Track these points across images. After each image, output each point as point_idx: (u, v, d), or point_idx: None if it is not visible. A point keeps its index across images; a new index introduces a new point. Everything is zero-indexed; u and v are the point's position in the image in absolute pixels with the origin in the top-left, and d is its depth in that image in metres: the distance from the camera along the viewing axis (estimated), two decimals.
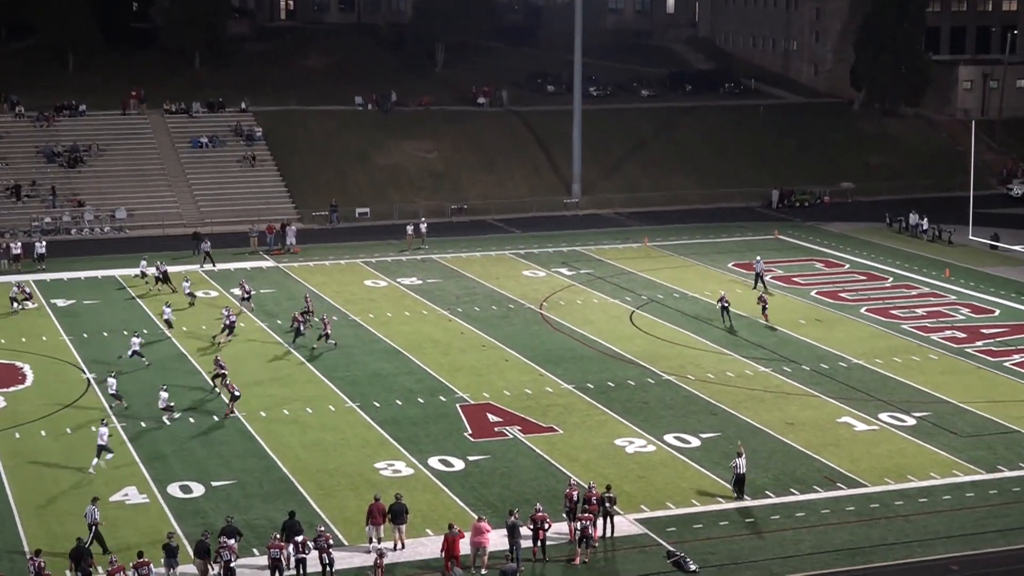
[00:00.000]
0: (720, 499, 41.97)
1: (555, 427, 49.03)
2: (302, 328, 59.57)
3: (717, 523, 40.47)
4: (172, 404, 49.70)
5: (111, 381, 51.19)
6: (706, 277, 73.97)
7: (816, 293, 70.68)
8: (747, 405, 51.68)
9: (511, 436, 48.03)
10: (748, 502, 41.71)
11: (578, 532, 37.81)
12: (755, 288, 69.83)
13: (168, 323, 61.21)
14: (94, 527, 38.17)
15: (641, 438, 47.86)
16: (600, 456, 46.09)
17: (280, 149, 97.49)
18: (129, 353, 56.39)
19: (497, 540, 37.56)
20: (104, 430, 45.07)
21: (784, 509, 41.48)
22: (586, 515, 38.09)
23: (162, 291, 69.46)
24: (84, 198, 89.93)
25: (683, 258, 79.66)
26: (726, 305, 62.76)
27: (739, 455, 42.36)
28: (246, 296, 65.91)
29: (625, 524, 40.16)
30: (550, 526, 37.86)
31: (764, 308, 63.76)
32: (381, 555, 35.96)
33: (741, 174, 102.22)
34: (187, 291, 67.25)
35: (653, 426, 49.11)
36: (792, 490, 43.03)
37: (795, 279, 74.03)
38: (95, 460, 44.42)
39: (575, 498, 39.33)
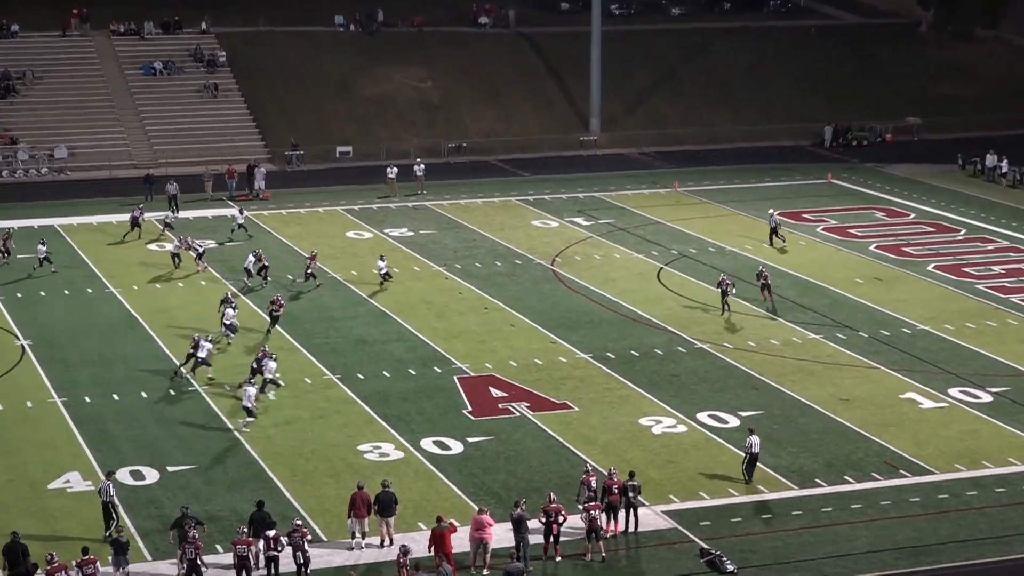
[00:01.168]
0: (762, 488, 41.98)
1: (569, 403, 49.04)
2: (234, 319, 55.12)
3: (759, 516, 40.50)
4: (277, 378, 49.63)
5: (228, 339, 52.06)
6: (748, 228, 73.80)
7: (876, 247, 70.55)
8: (794, 378, 51.64)
9: (518, 414, 48.04)
10: (766, 494, 41.67)
11: (586, 523, 37.72)
12: (771, 245, 69.42)
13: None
14: (111, 506, 38.42)
15: (670, 417, 47.86)
16: (622, 437, 46.11)
17: (247, 77, 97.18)
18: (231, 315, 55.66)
19: (501, 535, 37.57)
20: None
21: (837, 500, 41.49)
22: (594, 504, 38.08)
23: (129, 239, 69.96)
24: (17, 134, 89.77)
25: (720, 206, 79.48)
26: (728, 289, 58.65)
27: (751, 432, 42.35)
28: (199, 253, 65.03)
29: (651, 517, 40.17)
30: (565, 519, 37.85)
31: (765, 286, 59.84)
32: (405, 553, 35.73)
33: (789, 108, 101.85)
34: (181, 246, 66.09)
35: (684, 403, 49.11)
36: (847, 478, 43.04)
37: (851, 231, 73.86)
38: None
39: (593, 486, 39.32)
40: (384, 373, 51.95)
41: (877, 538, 39.19)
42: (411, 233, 73.17)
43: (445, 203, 79.95)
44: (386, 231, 73.47)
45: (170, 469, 43.23)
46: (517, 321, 58.41)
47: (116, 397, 49.47)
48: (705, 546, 38.32)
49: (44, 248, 65.11)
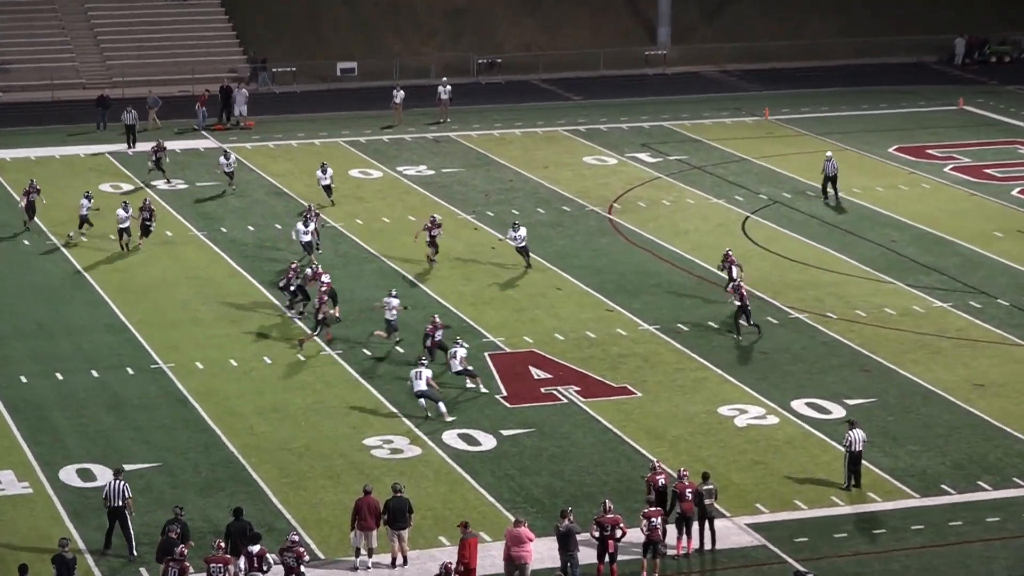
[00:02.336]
0: (874, 496, 41.93)
1: (630, 387, 49.13)
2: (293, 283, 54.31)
3: (869, 531, 40.46)
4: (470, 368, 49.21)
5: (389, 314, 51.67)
6: (857, 167, 73.51)
7: (1020, 192, 70.36)
8: (915, 357, 51.59)
9: (565, 400, 48.13)
10: (878, 503, 41.63)
11: (645, 534, 37.77)
12: (825, 199, 68.28)
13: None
14: (126, 513, 38.63)
15: (757, 405, 47.89)
16: (696, 431, 46.18)
17: None
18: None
19: (544, 552, 37.61)
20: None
21: (969, 511, 41.43)
22: (654, 509, 38.05)
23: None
24: None
25: (821, 139, 79.24)
26: (742, 290, 53.79)
27: (851, 425, 42.25)
28: (147, 219, 62.11)
29: (733, 531, 40.19)
30: (624, 533, 37.86)
31: (731, 277, 55.82)
32: (447, 573, 35.58)
33: (910, 15, 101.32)
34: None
35: (775, 387, 49.15)
36: (981, 483, 42.97)
37: (988, 171, 73.64)
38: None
39: (660, 485, 39.29)
40: (397, 348, 51.97)
41: (1019, 559, 39.08)
42: (431, 172, 73.18)
43: (474, 134, 79.91)
44: (399, 169, 73.50)
45: (128, 467, 43.30)
46: (564, 283, 58.43)
47: (60, 376, 49.71)
48: (801, 568, 38.24)
49: (88, 203, 62.25)
